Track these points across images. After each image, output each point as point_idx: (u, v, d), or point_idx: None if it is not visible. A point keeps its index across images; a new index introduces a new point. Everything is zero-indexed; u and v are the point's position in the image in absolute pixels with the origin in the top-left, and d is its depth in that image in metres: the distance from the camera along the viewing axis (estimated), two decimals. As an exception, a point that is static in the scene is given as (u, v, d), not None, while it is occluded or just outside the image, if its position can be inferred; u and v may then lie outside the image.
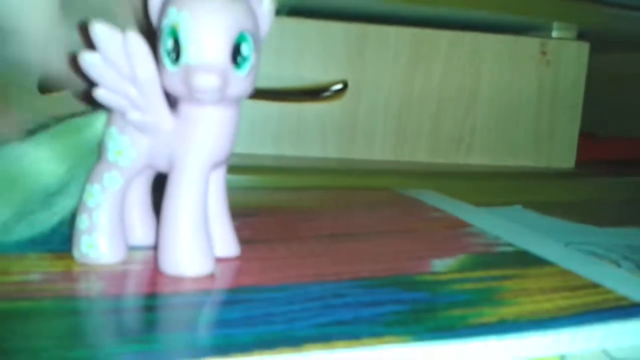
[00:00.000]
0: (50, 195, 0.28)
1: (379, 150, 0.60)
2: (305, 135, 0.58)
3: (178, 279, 0.26)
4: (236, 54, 0.24)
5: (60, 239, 0.28)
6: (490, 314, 0.24)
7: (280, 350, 0.20)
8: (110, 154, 0.27)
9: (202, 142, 0.25)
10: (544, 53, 0.62)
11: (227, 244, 0.29)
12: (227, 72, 0.24)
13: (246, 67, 0.24)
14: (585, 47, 0.63)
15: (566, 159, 0.64)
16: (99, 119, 0.28)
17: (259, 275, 0.27)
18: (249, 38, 0.24)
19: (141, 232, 0.30)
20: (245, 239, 0.32)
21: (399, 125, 0.59)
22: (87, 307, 0.23)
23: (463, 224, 0.38)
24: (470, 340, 0.22)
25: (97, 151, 0.28)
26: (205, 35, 0.23)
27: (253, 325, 0.22)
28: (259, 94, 0.56)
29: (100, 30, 0.24)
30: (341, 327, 0.22)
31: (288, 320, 0.22)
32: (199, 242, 0.26)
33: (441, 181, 0.55)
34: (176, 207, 0.25)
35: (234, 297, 0.25)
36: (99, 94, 0.25)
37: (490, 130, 0.61)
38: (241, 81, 0.24)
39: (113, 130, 0.26)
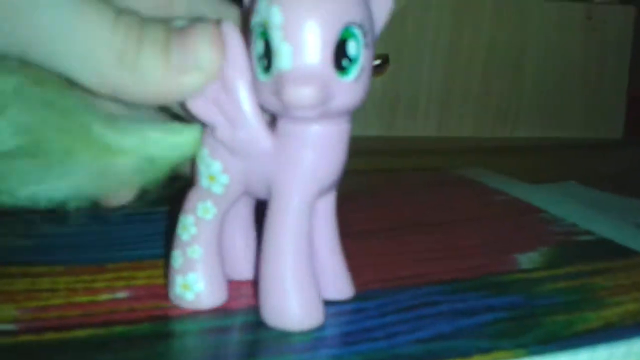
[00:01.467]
0: None
1: (421, 126, 0.58)
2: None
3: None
4: (340, 56, 0.19)
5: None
6: (594, 318, 0.23)
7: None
8: (204, 180, 0.22)
9: (307, 166, 0.21)
10: (589, 18, 0.59)
11: (339, 285, 0.24)
12: (329, 79, 0.19)
13: (354, 71, 0.19)
14: (630, 11, 0.61)
15: (614, 129, 0.62)
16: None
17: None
18: (358, 33, 0.19)
19: (244, 265, 0.25)
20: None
21: (443, 98, 0.58)
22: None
23: (534, 210, 0.36)
24: (581, 349, 0.21)
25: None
26: (301, 33, 0.18)
27: (355, 344, 0.21)
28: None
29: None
30: (444, 343, 0.21)
31: (388, 336, 0.21)
32: (308, 288, 0.21)
33: (489, 157, 0.53)
34: (279, 245, 0.21)
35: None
36: (191, 104, 0.21)
37: (537, 100, 0.59)
38: (349, 89, 0.19)
39: (205, 152, 0.22)
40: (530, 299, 0.25)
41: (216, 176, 0.22)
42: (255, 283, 0.23)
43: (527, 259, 0.29)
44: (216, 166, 0.22)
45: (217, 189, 0.22)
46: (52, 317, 0.22)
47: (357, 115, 0.56)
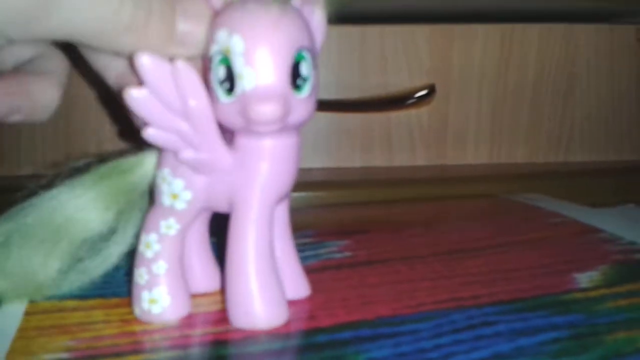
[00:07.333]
0: (98, 242, 0.26)
1: (471, 154, 0.57)
2: (394, 145, 0.56)
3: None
4: (295, 75, 0.21)
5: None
6: (659, 334, 0.22)
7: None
8: (165, 198, 0.24)
9: (265, 177, 0.23)
10: (639, 40, 0.58)
11: (296, 284, 0.26)
12: (287, 96, 0.21)
13: (307, 89, 0.22)
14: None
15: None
16: (149, 158, 0.25)
17: (394, 302, 0.26)
18: (307, 56, 0.22)
19: (202, 279, 0.27)
20: (363, 260, 0.31)
21: (493, 126, 0.57)
22: None
23: (591, 230, 0.35)
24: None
25: (147, 193, 0.26)
26: (262, 58, 0.21)
27: (409, 365, 0.20)
28: (343, 106, 0.54)
29: (146, 62, 0.21)
30: (504, 362, 0.20)
31: (444, 357, 0.21)
32: (272, 289, 0.23)
33: (543, 183, 0.52)
34: (243, 251, 0.23)
35: (377, 331, 0.23)
36: (149, 133, 0.22)
37: (590, 124, 0.58)
38: (302, 105, 0.22)
39: (166, 172, 0.24)
40: (591, 317, 0.24)
41: (179, 194, 0.24)
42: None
43: (587, 278, 0.28)
44: (178, 184, 0.24)
45: (180, 205, 0.24)
46: (105, 346, 0.22)
47: (405, 145, 0.55)
